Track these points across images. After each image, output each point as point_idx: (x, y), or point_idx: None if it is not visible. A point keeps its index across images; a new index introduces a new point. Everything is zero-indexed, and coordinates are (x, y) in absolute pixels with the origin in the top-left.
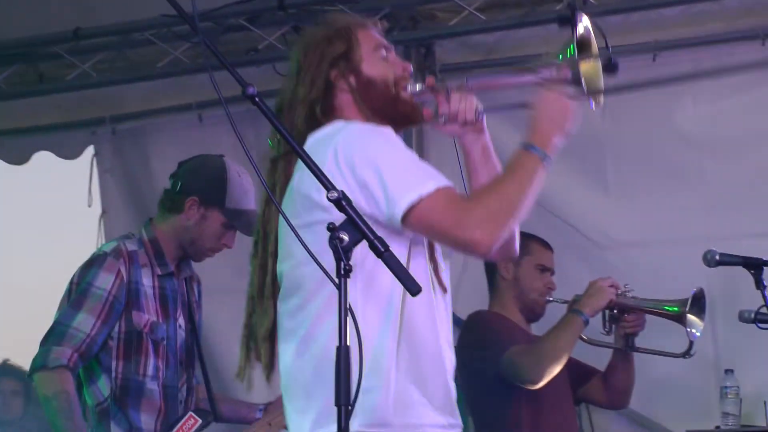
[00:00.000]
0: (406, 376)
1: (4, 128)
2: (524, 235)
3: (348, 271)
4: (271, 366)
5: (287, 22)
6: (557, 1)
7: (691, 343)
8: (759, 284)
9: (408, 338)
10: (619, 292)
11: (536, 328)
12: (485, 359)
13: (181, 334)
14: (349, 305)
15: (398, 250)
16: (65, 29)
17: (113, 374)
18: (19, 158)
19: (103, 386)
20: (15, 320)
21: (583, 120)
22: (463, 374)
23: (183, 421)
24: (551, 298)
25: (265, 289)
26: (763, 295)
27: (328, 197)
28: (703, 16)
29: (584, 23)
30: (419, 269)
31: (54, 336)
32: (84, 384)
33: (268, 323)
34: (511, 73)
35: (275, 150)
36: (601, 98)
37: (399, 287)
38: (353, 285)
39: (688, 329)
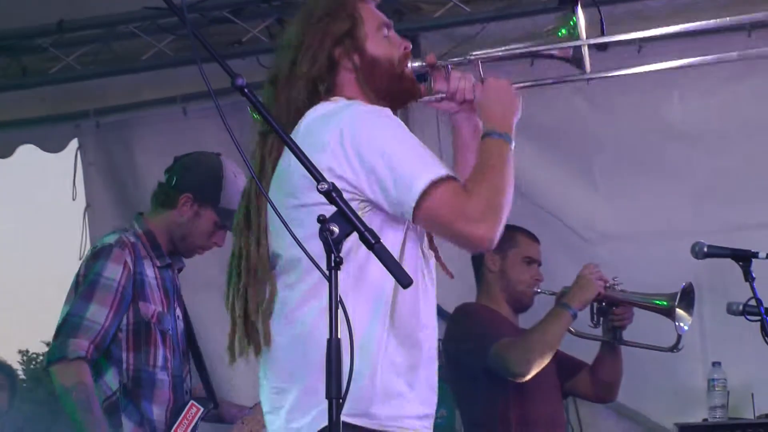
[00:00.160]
0: (392, 366)
1: None
2: (511, 228)
3: (338, 263)
4: (267, 342)
5: (271, 14)
6: None
7: (679, 337)
8: (747, 276)
9: (395, 329)
10: (608, 284)
11: (524, 321)
12: (472, 352)
13: (180, 324)
14: (340, 297)
15: (394, 237)
16: (49, 22)
17: (124, 366)
18: (2, 152)
19: (111, 380)
20: None
21: (571, 113)
22: (451, 367)
23: (186, 410)
24: (539, 290)
25: (260, 264)
26: (752, 287)
27: (318, 189)
28: (689, 8)
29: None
30: (411, 258)
31: (68, 327)
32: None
33: (263, 296)
34: (515, 47)
35: (262, 123)
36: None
37: (390, 278)
38: (345, 274)
39: (677, 323)
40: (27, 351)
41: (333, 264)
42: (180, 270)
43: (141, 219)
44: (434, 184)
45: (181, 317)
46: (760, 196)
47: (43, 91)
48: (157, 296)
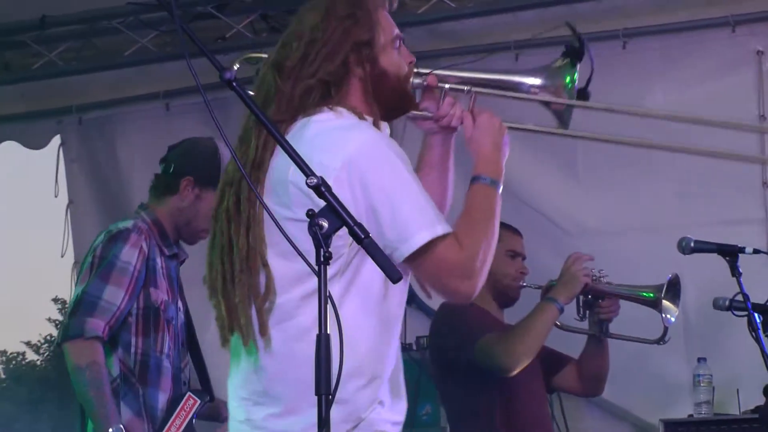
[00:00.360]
0: (378, 367)
1: None
2: None
3: (327, 258)
4: (263, 334)
5: (255, 10)
6: None
7: (666, 329)
8: (734, 271)
9: (383, 329)
10: (594, 277)
11: (510, 316)
12: (457, 348)
13: (181, 316)
14: (330, 294)
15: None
16: (31, 17)
17: (133, 350)
18: None
19: (113, 366)
20: None
21: None
22: (436, 364)
23: (183, 402)
24: (524, 283)
25: (250, 253)
26: (739, 282)
27: (307, 183)
28: (673, 4)
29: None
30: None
31: (86, 307)
32: None
33: (258, 288)
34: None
35: (249, 116)
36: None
37: (379, 277)
38: (338, 281)
39: (664, 315)
40: (5, 351)
41: (322, 259)
42: (183, 261)
43: (147, 208)
44: (432, 242)
45: (182, 310)
46: (745, 191)
47: (25, 87)
48: (164, 285)
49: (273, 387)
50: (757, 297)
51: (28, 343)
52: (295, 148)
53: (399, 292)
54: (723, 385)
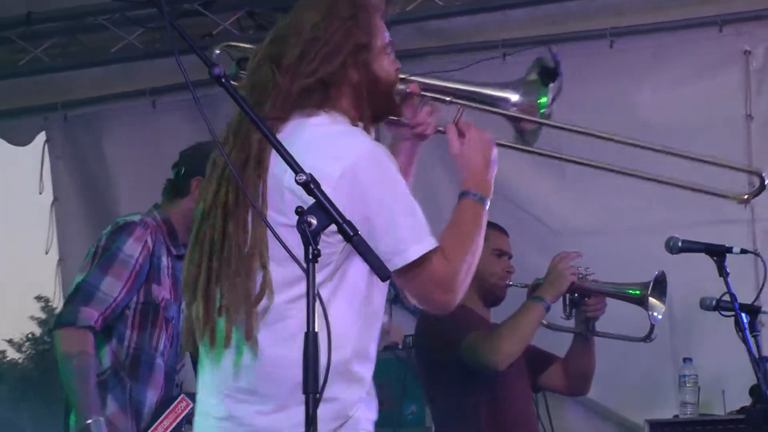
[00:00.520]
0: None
1: None
2: None
3: (316, 255)
4: (248, 337)
5: (242, 7)
6: None
7: (652, 326)
8: (722, 271)
9: (367, 329)
10: (580, 275)
11: (497, 316)
12: (443, 347)
13: (182, 317)
14: (318, 293)
15: (363, 267)
16: (17, 14)
17: (126, 343)
18: None
19: (104, 357)
20: None
21: None
22: (421, 363)
23: (176, 403)
24: (511, 282)
25: (249, 254)
26: (726, 282)
27: (296, 180)
28: (661, 3)
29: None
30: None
31: (82, 296)
32: None
33: (252, 287)
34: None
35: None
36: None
37: (364, 278)
38: (326, 286)
39: (650, 312)
40: None
41: (311, 256)
42: None
43: (160, 207)
44: (424, 256)
45: (184, 311)
46: (732, 191)
47: (10, 84)
48: (167, 283)
49: (262, 386)
50: (743, 297)
51: (10, 341)
52: (289, 150)
53: (381, 293)
54: (709, 385)
